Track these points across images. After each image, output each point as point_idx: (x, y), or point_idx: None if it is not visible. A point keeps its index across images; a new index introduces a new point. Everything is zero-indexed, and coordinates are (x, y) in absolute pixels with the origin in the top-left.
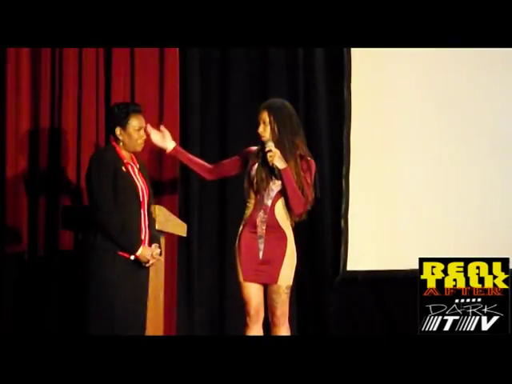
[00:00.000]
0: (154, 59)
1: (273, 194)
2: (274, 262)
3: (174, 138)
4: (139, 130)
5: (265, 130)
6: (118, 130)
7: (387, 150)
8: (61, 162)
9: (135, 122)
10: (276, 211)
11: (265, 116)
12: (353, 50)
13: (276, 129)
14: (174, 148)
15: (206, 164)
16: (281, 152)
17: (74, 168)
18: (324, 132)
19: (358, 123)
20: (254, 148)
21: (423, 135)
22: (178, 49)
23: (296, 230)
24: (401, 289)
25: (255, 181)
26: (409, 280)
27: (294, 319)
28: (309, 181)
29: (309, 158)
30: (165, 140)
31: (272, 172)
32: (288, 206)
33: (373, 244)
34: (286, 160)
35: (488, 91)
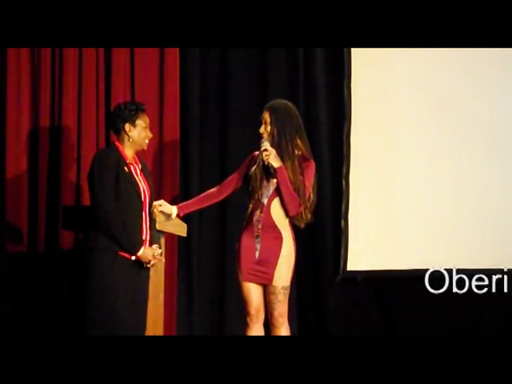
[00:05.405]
0: (154, 59)
1: (268, 192)
2: (269, 262)
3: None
4: (146, 127)
5: (265, 130)
6: (127, 127)
7: (387, 150)
8: (61, 162)
9: (143, 120)
10: (272, 210)
11: (266, 116)
12: (353, 50)
13: (275, 129)
14: (178, 208)
15: (210, 191)
16: (278, 152)
17: (74, 167)
18: (324, 132)
19: (358, 123)
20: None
21: (423, 135)
22: (178, 49)
23: (296, 229)
24: (401, 289)
25: (252, 180)
26: (409, 280)
27: (294, 319)
28: (307, 182)
29: (309, 159)
30: (167, 207)
31: (267, 171)
32: (283, 206)
33: (373, 244)
34: (283, 160)
35: (488, 91)
